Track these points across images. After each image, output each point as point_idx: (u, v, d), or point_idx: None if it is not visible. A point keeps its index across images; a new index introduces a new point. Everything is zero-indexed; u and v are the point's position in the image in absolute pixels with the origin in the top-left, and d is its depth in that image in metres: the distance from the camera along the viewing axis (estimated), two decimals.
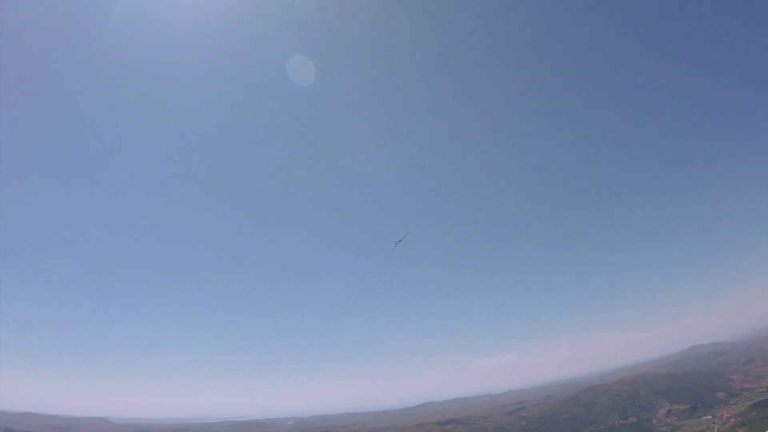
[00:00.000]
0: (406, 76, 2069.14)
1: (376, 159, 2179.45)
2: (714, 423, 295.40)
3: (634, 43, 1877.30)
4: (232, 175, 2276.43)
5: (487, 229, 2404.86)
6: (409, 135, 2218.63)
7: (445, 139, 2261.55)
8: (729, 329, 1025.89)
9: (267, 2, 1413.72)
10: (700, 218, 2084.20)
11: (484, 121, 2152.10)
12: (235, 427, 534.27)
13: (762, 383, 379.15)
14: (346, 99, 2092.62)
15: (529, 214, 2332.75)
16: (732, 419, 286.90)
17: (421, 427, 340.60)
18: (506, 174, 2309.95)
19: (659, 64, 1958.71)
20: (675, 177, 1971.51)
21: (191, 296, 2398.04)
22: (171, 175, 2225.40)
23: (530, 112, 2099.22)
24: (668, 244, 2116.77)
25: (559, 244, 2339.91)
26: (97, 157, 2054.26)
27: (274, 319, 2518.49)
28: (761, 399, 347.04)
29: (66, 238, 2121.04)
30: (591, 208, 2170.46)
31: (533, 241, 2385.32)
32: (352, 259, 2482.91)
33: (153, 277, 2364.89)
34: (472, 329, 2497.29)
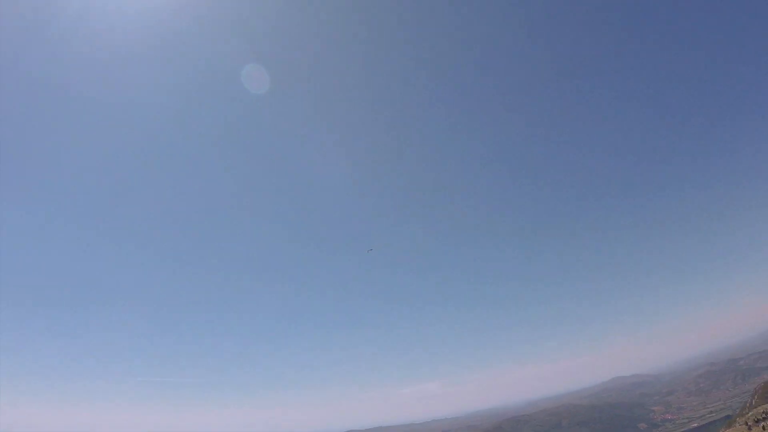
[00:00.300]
0: (367, 82, 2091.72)
1: (327, 167, 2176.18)
2: None
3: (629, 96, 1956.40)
4: (181, 186, 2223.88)
5: (412, 259, 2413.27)
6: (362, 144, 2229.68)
7: (385, 156, 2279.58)
8: (650, 361, 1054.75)
9: (220, 10, 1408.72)
10: (621, 254, 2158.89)
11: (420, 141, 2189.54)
12: None
13: (683, 414, 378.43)
14: (303, 107, 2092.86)
15: (453, 244, 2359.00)
16: None
17: None
18: (431, 205, 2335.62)
19: (634, 115, 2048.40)
20: (597, 217, 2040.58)
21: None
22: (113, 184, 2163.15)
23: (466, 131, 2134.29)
24: (590, 278, 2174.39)
25: (481, 275, 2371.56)
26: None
27: (193, 342, 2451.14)
28: (683, 430, 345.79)
29: None
30: (515, 241, 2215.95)
31: (456, 272, 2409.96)
32: (279, 283, 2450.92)
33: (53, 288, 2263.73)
34: (395, 358, 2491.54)
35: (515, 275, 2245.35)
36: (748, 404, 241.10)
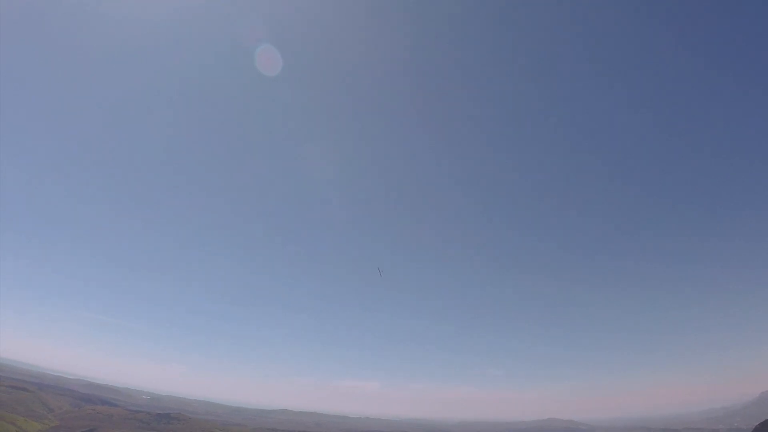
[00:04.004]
0: (380, 72, 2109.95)
1: (327, 157, 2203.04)
2: None
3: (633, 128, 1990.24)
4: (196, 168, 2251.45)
5: (381, 258, 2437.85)
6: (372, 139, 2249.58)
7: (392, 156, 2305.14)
8: (590, 411, 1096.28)
9: None
10: (593, 303, 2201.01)
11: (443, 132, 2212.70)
12: (89, 388, 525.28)
13: None
14: (313, 91, 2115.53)
15: (431, 256, 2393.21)
16: None
17: None
18: (431, 204, 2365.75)
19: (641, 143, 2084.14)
20: (572, 266, 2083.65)
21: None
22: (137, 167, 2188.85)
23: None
24: (551, 320, 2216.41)
25: (440, 288, 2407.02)
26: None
27: (165, 293, 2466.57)
28: None
29: None
30: (489, 265, 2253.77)
31: (416, 281, 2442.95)
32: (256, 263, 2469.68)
33: (38, 222, 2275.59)
34: (340, 350, 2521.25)
35: (477, 297, 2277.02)
36: None
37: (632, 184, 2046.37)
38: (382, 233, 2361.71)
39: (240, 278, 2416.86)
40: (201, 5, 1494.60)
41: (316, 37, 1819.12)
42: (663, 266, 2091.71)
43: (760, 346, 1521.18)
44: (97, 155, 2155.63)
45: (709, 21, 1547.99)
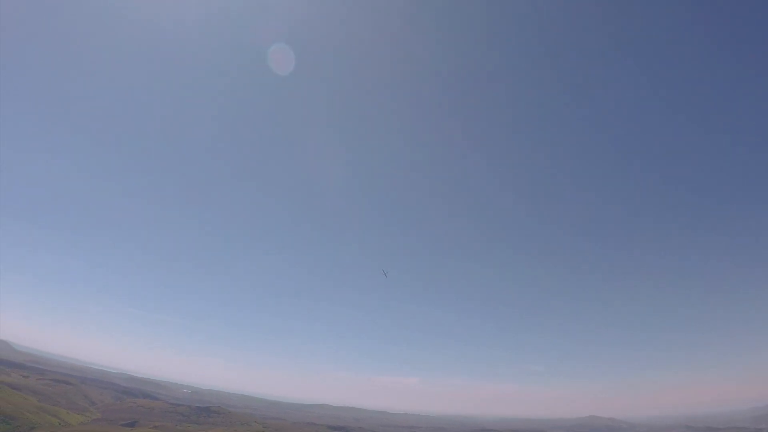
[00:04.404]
0: (394, 73, 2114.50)
1: (340, 157, 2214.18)
2: None
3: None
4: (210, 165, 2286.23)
5: (416, 253, 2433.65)
6: (386, 140, 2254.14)
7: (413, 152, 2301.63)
8: (631, 409, 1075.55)
9: None
10: (635, 301, 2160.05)
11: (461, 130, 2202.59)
12: (130, 382, 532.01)
13: None
14: (326, 92, 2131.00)
15: (465, 252, 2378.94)
16: None
17: (312, 427, 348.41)
18: (455, 202, 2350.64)
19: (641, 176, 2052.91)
20: (613, 261, 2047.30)
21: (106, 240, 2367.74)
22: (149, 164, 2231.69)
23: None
24: (592, 317, 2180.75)
25: (481, 284, 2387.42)
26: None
27: (206, 288, 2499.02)
28: None
29: None
30: (525, 260, 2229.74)
31: (454, 274, 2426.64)
32: (279, 260, 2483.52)
33: (81, 219, 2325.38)
34: (381, 345, 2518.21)
35: (519, 293, 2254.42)
36: None
37: (679, 184, 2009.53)
38: (421, 229, 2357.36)
39: (279, 272, 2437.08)
40: (216, 4, 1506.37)
41: (329, 36, 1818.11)
42: (708, 264, 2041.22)
43: None
44: (135, 154, 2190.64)
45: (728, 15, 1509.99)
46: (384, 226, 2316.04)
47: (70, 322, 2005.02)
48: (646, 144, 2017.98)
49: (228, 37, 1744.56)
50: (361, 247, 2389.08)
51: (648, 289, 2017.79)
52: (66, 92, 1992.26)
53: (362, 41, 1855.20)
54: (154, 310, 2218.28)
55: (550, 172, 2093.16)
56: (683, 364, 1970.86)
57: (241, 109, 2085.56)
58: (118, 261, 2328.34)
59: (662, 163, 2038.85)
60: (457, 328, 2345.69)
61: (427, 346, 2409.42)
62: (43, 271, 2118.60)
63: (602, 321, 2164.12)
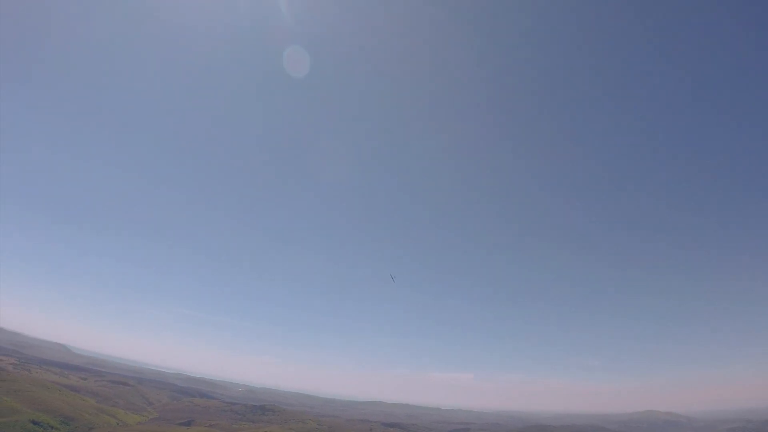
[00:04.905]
0: (408, 76, 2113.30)
1: (361, 160, 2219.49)
2: None
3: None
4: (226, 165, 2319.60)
5: (468, 247, 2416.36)
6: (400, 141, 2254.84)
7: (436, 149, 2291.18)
8: (688, 403, 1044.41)
9: None
10: (696, 290, 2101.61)
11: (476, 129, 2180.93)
12: (186, 381, 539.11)
13: None
14: (340, 95, 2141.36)
15: (507, 250, 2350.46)
16: None
17: (365, 424, 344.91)
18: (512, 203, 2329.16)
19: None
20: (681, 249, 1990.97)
21: (176, 248, 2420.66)
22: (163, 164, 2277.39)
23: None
24: (651, 308, 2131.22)
25: (535, 279, 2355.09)
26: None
27: (259, 288, 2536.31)
28: None
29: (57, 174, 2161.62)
30: (575, 258, 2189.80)
31: (508, 269, 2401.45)
32: (329, 258, 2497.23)
33: (141, 221, 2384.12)
34: (434, 342, 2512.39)
35: (575, 289, 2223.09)
36: None
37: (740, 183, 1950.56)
38: (469, 228, 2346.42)
39: (332, 272, 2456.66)
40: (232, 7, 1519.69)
41: (343, 39, 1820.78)
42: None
43: None
44: (181, 160, 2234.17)
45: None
46: (431, 225, 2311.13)
47: (126, 325, 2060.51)
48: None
49: (244, 40, 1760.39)
50: (412, 245, 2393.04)
51: (705, 284, 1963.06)
52: (109, 99, 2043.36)
53: (377, 44, 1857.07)
54: (209, 312, 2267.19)
55: (604, 168, 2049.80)
56: (742, 358, 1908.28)
57: (277, 113, 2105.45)
58: (172, 264, 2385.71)
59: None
60: (512, 324, 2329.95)
61: (482, 343, 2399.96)
62: (100, 276, 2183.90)
63: (659, 316, 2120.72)
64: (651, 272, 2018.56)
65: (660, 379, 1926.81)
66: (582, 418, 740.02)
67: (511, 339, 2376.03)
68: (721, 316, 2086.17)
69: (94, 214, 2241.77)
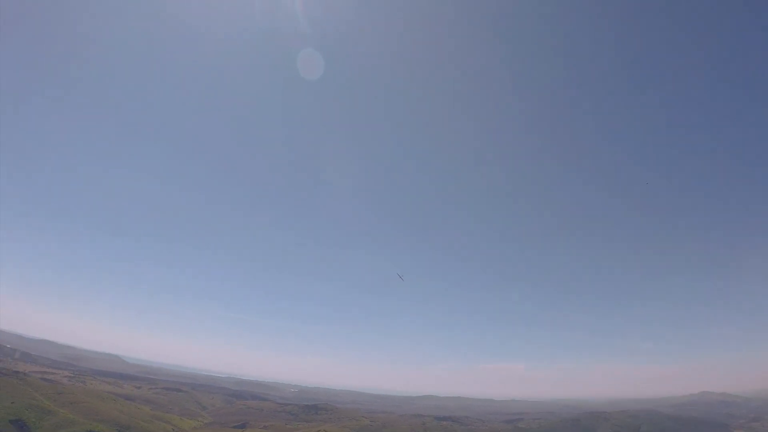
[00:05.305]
0: (422, 80, 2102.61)
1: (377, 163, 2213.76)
2: None
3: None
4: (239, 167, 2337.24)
5: (516, 237, 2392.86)
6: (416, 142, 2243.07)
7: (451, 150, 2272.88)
8: (744, 383, 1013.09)
9: None
10: (746, 266, 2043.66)
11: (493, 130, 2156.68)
12: (239, 385, 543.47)
13: None
14: (353, 97, 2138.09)
15: (551, 230, 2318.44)
16: None
17: (418, 419, 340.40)
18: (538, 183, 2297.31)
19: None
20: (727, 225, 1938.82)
21: (217, 253, 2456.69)
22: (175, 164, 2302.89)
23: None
24: (700, 286, 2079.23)
25: (584, 261, 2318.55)
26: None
27: (306, 291, 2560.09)
28: None
29: (93, 182, 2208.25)
30: (621, 238, 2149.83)
31: (555, 256, 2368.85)
32: (363, 256, 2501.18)
33: (188, 230, 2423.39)
34: (483, 333, 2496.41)
35: (621, 269, 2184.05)
36: None
37: None
38: (516, 219, 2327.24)
39: (379, 270, 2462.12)
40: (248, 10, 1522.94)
41: (357, 42, 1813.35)
42: None
43: None
44: (227, 165, 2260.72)
45: None
46: (475, 220, 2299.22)
47: (178, 333, 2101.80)
48: None
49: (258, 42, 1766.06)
50: (454, 241, 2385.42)
51: (761, 262, 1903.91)
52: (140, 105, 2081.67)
53: (390, 46, 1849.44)
54: (258, 316, 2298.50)
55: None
56: None
57: (291, 115, 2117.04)
58: (220, 271, 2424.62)
59: None
60: (561, 312, 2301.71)
61: (531, 331, 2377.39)
62: (150, 284, 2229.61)
63: (710, 296, 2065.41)
64: (699, 253, 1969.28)
65: (712, 360, 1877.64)
66: (636, 403, 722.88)
67: (561, 327, 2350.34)
68: None
69: (143, 226, 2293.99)
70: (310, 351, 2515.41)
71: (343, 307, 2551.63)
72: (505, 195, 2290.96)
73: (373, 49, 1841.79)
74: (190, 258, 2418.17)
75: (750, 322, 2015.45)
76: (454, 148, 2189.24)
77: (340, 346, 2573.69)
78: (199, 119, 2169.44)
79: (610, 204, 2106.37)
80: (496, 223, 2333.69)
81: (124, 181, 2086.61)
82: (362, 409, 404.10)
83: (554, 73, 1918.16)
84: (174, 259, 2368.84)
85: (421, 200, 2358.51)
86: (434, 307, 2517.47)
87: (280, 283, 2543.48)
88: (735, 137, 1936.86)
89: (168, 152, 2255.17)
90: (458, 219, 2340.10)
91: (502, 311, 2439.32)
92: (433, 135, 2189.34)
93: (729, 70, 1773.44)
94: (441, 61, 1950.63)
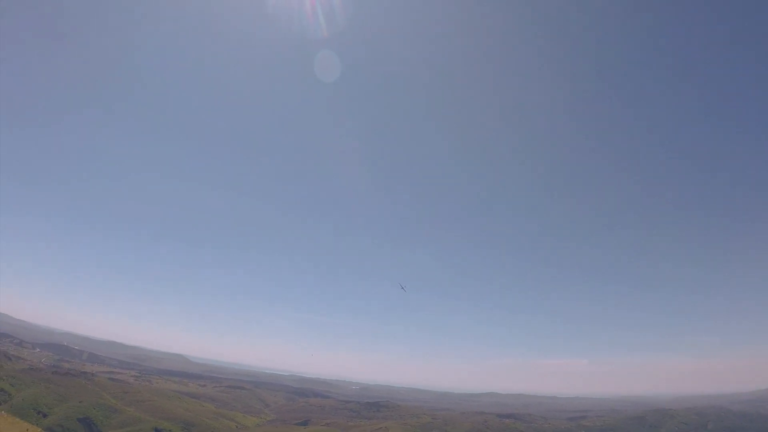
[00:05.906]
0: (438, 81, 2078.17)
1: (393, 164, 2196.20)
2: None
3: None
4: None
5: (576, 230, 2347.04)
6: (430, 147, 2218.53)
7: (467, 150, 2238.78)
8: None
9: None
10: None
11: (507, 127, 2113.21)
12: (301, 383, 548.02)
13: None
14: (369, 100, 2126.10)
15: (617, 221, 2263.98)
16: None
17: (480, 416, 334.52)
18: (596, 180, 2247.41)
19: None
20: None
21: (283, 255, 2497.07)
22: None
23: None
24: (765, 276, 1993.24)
25: (648, 253, 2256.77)
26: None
27: (366, 288, 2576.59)
28: None
29: (159, 190, 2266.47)
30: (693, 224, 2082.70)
31: (621, 247, 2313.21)
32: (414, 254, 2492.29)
33: (245, 231, 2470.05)
34: (546, 328, 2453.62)
35: (686, 258, 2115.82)
36: None
37: None
38: (575, 217, 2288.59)
39: (436, 268, 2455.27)
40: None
41: (374, 44, 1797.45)
42: None
43: None
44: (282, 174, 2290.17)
45: None
46: (520, 218, 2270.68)
47: (241, 332, 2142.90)
48: None
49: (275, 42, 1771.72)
50: (518, 236, 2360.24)
51: None
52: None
53: (408, 50, 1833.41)
54: (319, 313, 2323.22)
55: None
56: None
57: (307, 116, 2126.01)
58: (280, 270, 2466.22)
59: None
60: (625, 304, 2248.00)
61: (595, 326, 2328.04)
62: (214, 286, 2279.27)
63: None
64: (760, 241, 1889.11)
65: None
66: (703, 399, 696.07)
67: (625, 322, 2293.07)
68: None
69: (203, 229, 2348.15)
70: (371, 349, 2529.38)
71: (404, 305, 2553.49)
72: (557, 190, 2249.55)
73: (390, 51, 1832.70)
74: (251, 261, 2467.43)
75: None
76: (488, 146, 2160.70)
77: (402, 343, 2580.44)
78: (223, 121, 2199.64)
79: (666, 199, 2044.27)
80: (556, 218, 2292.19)
81: (177, 190, 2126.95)
82: (424, 407, 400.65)
83: (585, 68, 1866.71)
84: (235, 262, 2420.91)
85: (465, 197, 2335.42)
86: (494, 303, 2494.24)
87: (342, 282, 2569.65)
88: None
89: (225, 159, 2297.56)
90: (515, 214, 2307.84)
91: (564, 307, 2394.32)
92: (458, 134, 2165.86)
93: (729, 69, 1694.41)
94: (459, 64, 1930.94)
